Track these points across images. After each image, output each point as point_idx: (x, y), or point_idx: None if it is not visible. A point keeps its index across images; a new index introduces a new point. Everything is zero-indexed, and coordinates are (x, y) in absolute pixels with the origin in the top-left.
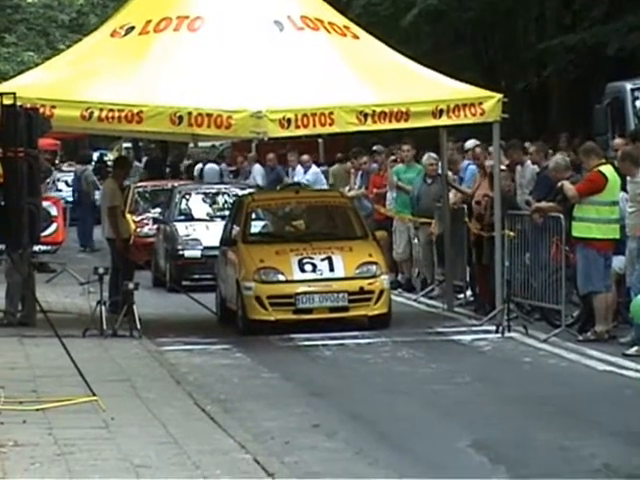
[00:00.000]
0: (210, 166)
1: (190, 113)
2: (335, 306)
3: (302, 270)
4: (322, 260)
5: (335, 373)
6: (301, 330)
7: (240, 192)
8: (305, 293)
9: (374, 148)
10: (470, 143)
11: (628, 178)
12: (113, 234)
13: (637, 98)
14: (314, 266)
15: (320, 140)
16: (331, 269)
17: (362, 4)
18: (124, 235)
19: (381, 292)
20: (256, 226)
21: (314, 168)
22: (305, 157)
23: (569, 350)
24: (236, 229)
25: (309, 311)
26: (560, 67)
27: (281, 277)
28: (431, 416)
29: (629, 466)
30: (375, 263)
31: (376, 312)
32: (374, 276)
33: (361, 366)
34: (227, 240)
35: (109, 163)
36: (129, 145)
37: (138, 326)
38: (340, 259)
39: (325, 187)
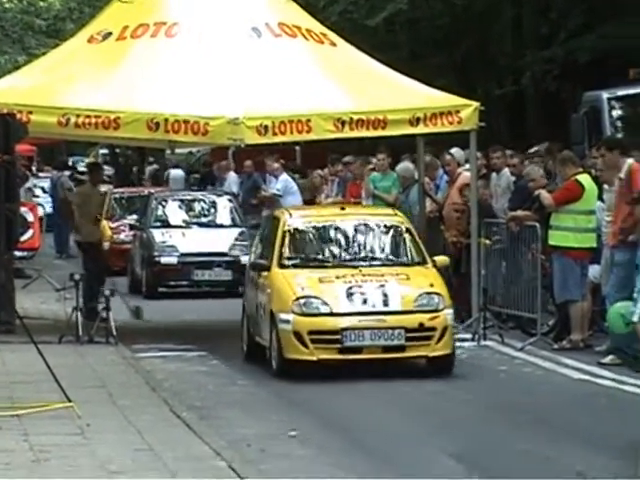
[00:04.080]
0: (175, 171)
1: (167, 119)
2: (390, 345)
3: (350, 301)
4: (374, 289)
5: (312, 381)
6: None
7: (216, 199)
8: (354, 329)
9: (345, 159)
10: (454, 151)
11: (605, 187)
12: (79, 236)
13: (613, 107)
14: (365, 296)
15: (297, 147)
16: (385, 301)
17: (338, 11)
18: (87, 238)
19: (444, 329)
20: (294, 248)
21: (284, 176)
22: (275, 165)
23: (545, 359)
24: (266, 251)
25: (358, 350)
26: (537, 77)
27: (325, 309)
28: (407, 424)
29: (604, 475)
30: (438, 294)
31: (438, 353)
32: (436, 310)
33: (338, 373)
34: (257, 265)
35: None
36: (106, 151)
37: (114, 332)
38: (396, 289)
39: (297, 196)
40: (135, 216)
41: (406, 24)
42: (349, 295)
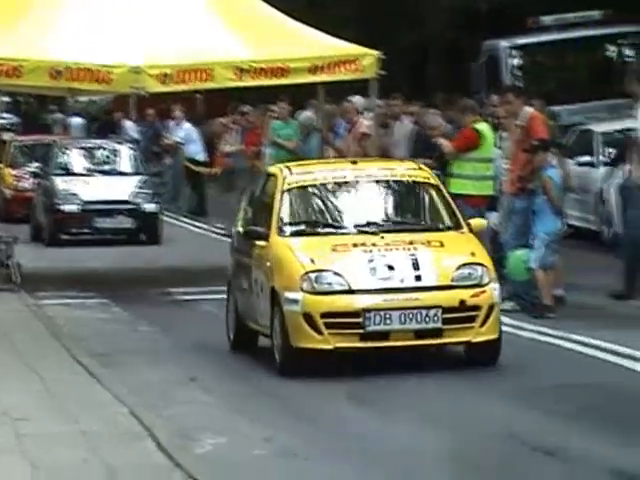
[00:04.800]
0: (76, 119)
1: (69, 67)
2: (423, 328)
3: (373, 274)
4: (402, 260)
5: (214, 328)
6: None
7: (118, 147)
8: (378, 309)
9: (242, 109)
10: (356, 99)
11: (503, 135)
12: None
13: (512, 56)
14: (391, 268)
15: (199, 96)
16: (417, 273)
17: None
18: None
19: (490, 308)
20: (297, 212)
21: (186, 124)
22: (177, 113)
23: None
24: (260, 216)
25: (384, 336)
26: (440, 28)
27: (342, 284)
28: (317, 378)
29: (502, 425)
30: (481, 265)
31: (483, 338)
32: (480, 284)
33: None
34: (252, 232)
35: None
36: (8, 99)
37: (15, 279)
38: (429, 258)
39: (199, 144)
40: (38, 164)
41: None
42: (371, 267)
